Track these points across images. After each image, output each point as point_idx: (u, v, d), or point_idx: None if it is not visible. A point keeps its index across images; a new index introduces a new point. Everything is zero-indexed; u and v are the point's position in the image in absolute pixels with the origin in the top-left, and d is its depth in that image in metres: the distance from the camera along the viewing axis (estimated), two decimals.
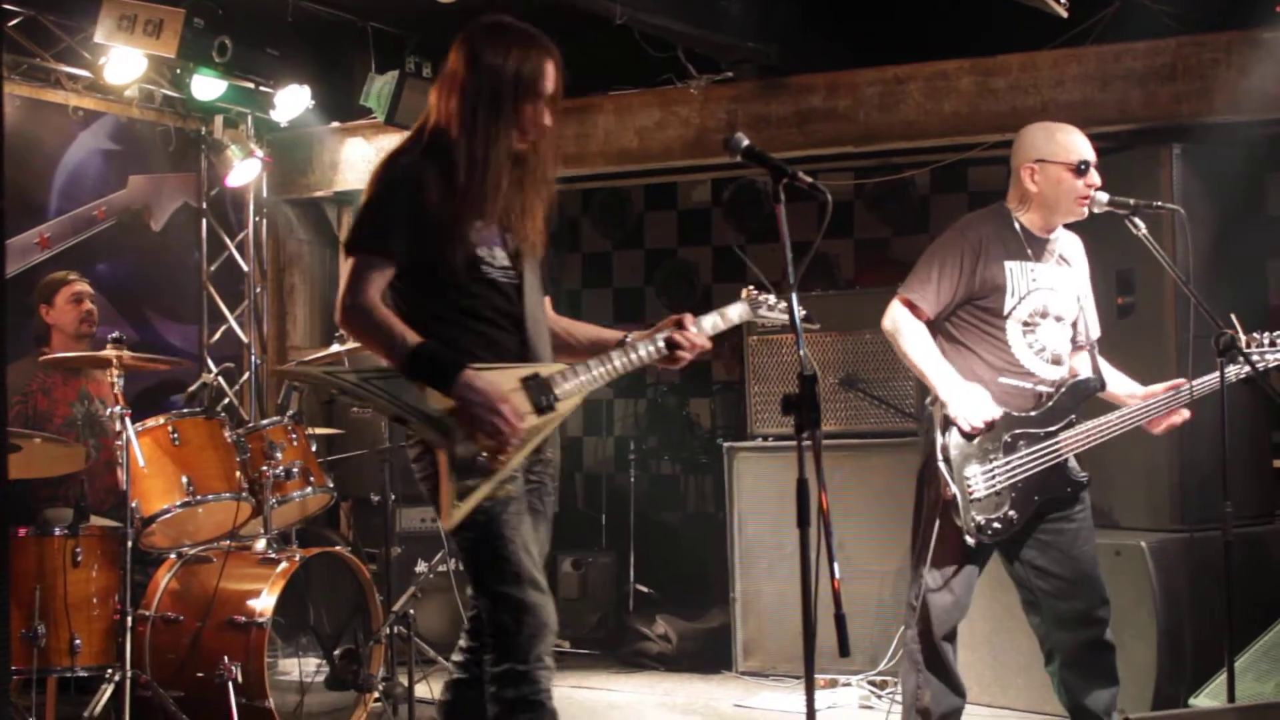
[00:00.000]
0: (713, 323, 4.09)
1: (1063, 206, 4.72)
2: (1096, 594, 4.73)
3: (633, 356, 3.93)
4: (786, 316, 4.21)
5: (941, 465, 4.63)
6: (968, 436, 4.62)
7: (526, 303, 3.88)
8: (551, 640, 3.74)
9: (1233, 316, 4.59)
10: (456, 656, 4.01)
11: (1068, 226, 4.84)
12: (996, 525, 4.61)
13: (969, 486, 4.60)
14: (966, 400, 4.59)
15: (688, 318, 3.98)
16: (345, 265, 3.76)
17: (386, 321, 3.67)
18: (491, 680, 3.71)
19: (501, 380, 3.68)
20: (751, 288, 4.29)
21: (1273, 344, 4.63)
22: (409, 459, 3.83)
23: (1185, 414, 4.75)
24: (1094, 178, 4.70)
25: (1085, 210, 4.71)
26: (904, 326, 4.71)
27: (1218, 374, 4.54)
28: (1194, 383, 4.67)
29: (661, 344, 3.93)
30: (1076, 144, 4.74)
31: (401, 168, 3.79)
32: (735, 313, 4.20)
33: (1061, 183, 4.69)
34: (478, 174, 3.73)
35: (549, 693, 3.73)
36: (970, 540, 4.61)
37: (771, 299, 4.29)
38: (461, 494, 3.60)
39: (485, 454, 3.61)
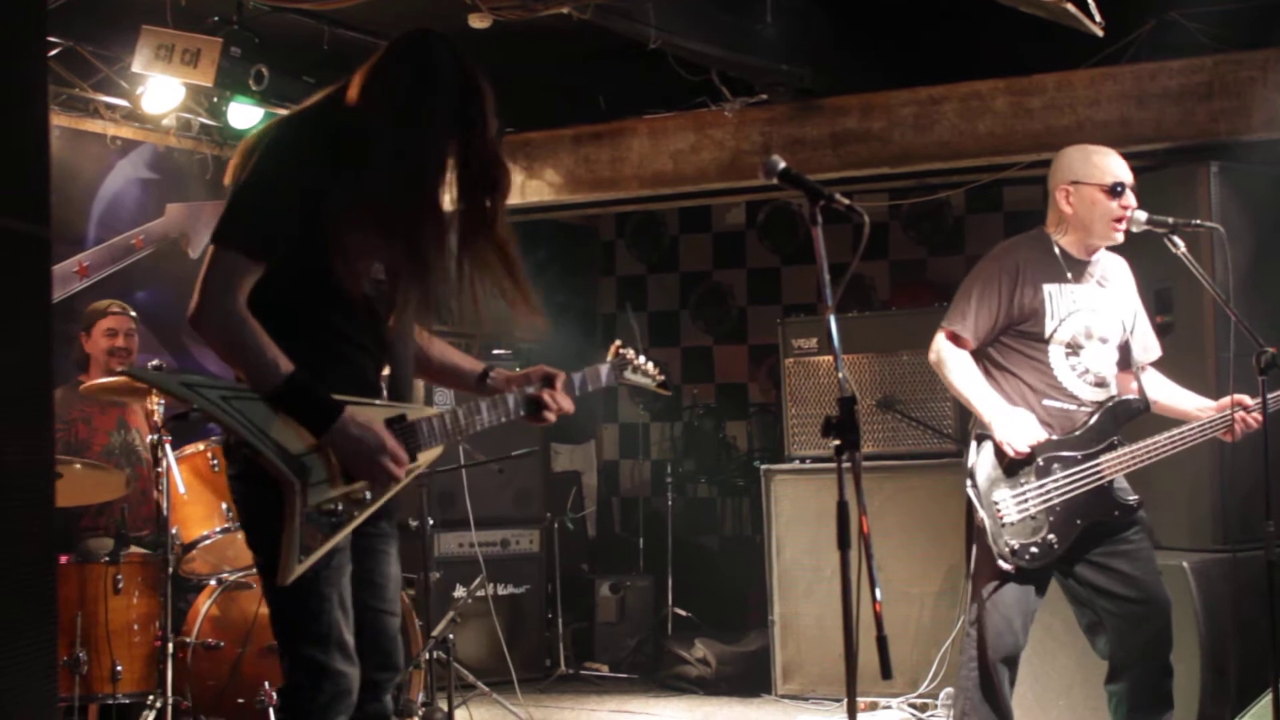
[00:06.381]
0: (580, 381, 3.80)
1: (1097, 229, 4.71)
2: (1165, 615, 4.68)
3: (501, 410, 3.61)
4: (648, 380, 3.99)
5: (969, 490, 4.63)
6: (1002, 460, 4.60)
7: (398, 325, 3.47)
8: (349, 713, 3.34)
9: None
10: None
11: (1109, 249, 4.82)
12: (1034, 550, 4.57)
13: (999, 511, 4.58)
14: (1011, 425, 4.57)
15: (560, 377, 3.70)
16: (211, 256, 3.23)
17: (259, 339, 3.19)
18: None
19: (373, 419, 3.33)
20: (619, 344, 3.97)
21: None
22: (234, 482, 3.35)
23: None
24: (1129, 199, 4.68)
25: (1120, 235, 4.70)
26: (947, 357, 4.74)
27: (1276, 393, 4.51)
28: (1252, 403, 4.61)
29: (523, 401, 3.65)
30: (1112, 166, 4.72)
31: (297, 141, 3.31)
32: (602, 373, 3.88)
33: (1096, 204, 4.68)
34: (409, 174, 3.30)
35: None
36: (1005, 565, 4.58)
37: (640, 359, 3.98)
38: (306, 548, 3.21)
39: (340, 505, 3.28)
